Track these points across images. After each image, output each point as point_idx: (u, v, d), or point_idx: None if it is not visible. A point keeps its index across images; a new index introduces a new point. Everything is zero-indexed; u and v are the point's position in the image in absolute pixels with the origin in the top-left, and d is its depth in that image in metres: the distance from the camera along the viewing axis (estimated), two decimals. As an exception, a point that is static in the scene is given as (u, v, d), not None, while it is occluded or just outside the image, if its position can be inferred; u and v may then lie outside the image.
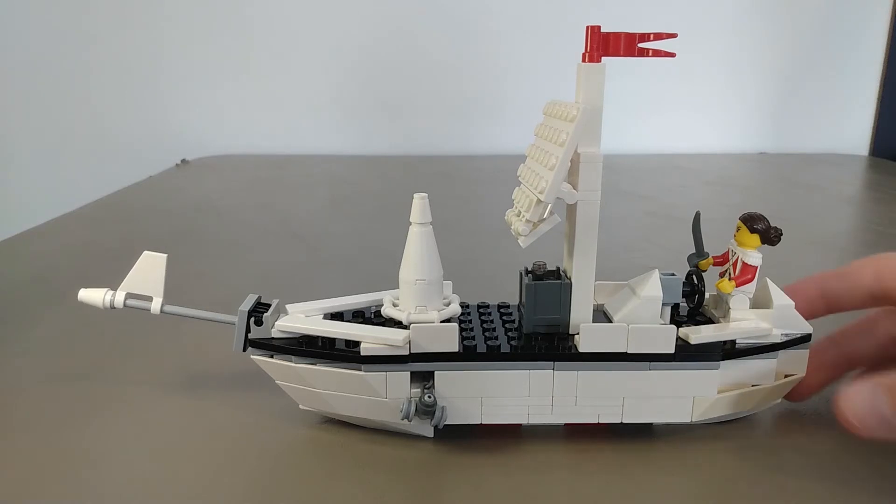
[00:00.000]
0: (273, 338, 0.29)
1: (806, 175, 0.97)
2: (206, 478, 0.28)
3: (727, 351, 0.29)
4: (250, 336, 0.30)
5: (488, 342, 0.29)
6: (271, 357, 0.30)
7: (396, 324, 0.29)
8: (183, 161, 1.05)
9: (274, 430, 0.31)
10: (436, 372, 0.28)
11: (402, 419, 0.28)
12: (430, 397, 0.28)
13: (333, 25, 1.09)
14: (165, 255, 0.30)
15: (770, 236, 0.29)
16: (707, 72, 1.14)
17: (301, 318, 0.30)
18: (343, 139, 1.13)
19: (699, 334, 0.28)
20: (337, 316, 0.31)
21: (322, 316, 0.30)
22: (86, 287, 0.32)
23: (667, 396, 0.29)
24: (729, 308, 0.30)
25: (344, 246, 0.61)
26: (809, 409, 0.33)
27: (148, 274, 0.30)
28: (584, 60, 0.28)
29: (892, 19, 1.13)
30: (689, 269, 0.31)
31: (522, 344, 0.28)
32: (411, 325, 0.28)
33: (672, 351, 0.28)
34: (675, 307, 0.30)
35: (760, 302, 0.30)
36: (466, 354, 0.28)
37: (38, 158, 1.12)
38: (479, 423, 0.29)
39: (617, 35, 0.28)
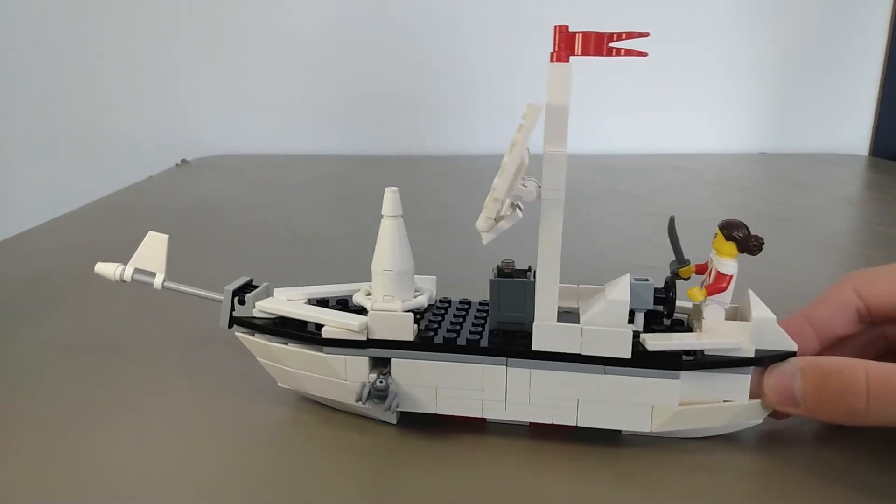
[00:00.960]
0: (254, 317, 0.32)
1: (806, 175, 0.97)
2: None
3: (691, 362, 0.28)
4: (234, 314, 0.32)
5: (446, 334, 0.29)
6: (253, 335, 0.32)
7: (363, 311, 0.30)
8: (183, 161, 1.05)
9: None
10: (392, 359, 0.29)
11: (356, 401, 0.29)
12: (381, 382, 0.29)
13: (333, 25, 1.09)
14: (167, 236, 0.33)
15: (749, 245, 0.27)
16: (707, 72, 1.14)
17: (282, 300, 0.32)
18: (343, 139, 1.13)
19: (657, 341, 0.28)
20: (322, 302, 0.32)
21: (306, 301, 0.32)
22: (98, 280, 0.35)
23: (623, 403, 0.28)
24: (703, 318, 0.29)
25: (344, 246, 0.61)
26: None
27: (152, 252, 0.33)
28: (552, 60, 0.28)
29: (892, 19, 1.13)
30: (672, 274, 0.30)
31: (478, 339, 0.29)
32: (369, 312, 0.29)
33: (628, 356, 0.28)
34: (656, 315, 0.30)
35: (742, 315, 0.29)
36: (421, 344, 0.29)
37: (38, 158, 1.12)
38: (434, 412, 0.30)
39: (587, 34, 0.28)
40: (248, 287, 0.33)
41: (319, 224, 0.69)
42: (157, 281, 0.33)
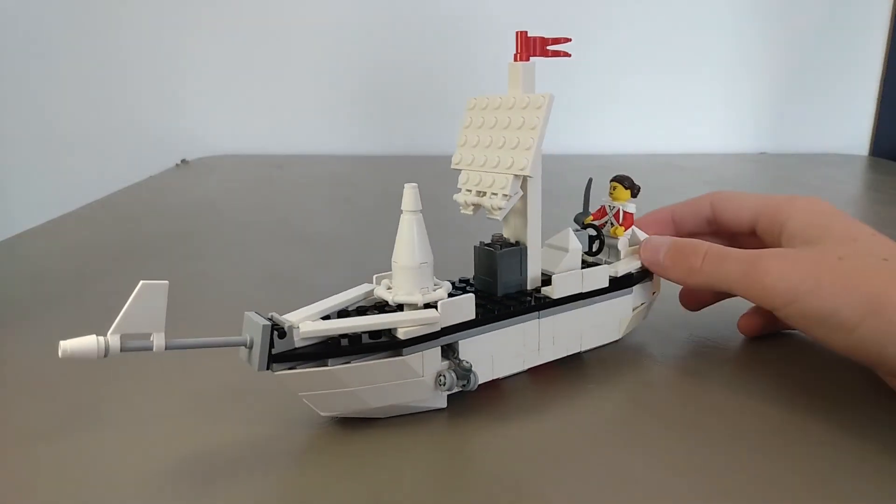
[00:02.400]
0: (298, 347, 0.28)
1: (806, 175, 0.97)
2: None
3: (634, 279, 0.37)
4: (274, 350, 0.27)
5: (488, 307, 0.32)
6: (294, 369, 0.28)
7: (399, 308, 0.31)
8: (183, 161, 1.05)
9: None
10: (460, 341, 0.31)
11: (446, 390, 0.30)
12: (466, 363, 0.30)
13: (333, 26, 1.09)
14: (167, 283, 0.25)
15: (635, 191, 0.38)
16: (707, 72, 1.14)
17: (317, 322, 0.29)
18: (343, 139, 1.13)
19: (618, 270, 0.36)
20: (342, 314, 0.31)
21: (321, 317, 0.30)
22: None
23: (605, 321, 0.37)
24: (619, 250, 0.38)
25: (344, 246, 0.61)
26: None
27: (146, 307, 0.25)
28: (515, 60, 0.33)
29: (892, 19, 1.13)
30: (579, 224, 0.38)
31: (514, 304, 0.33)
32: (440, 302, 0.30)
33: (608, 285, 0.36)
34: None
35: (633, 241, 0.39)
36: (482, 320, 0.32)
37: (38, 159, 1.12)
38: (491, 378, 0.33)
39: (535, 38, 0.33)
40: (269, 319, 0.29)
41: (319, 224, 0.69)
42: (157, 342, 0.26)
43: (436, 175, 0.94)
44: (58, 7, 1.06)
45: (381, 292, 0.31)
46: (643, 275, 0.38)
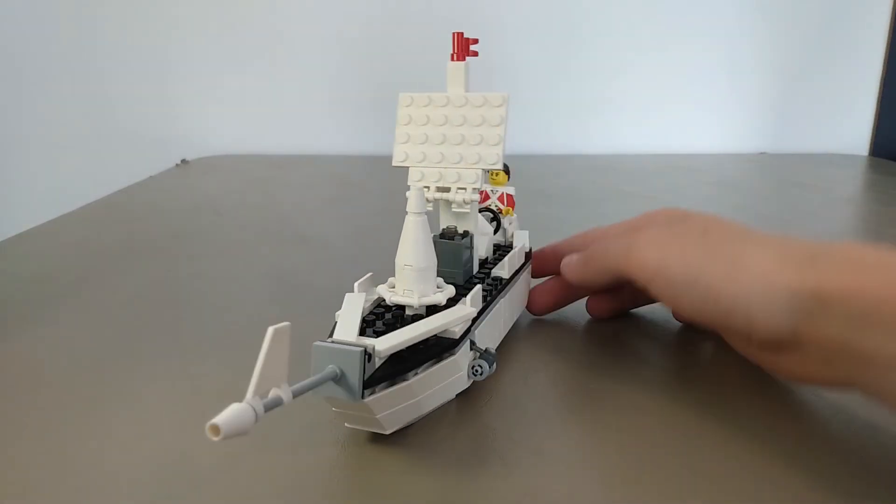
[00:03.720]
0: (377, 368, 0.26)
1: (806, 175, 0.97)
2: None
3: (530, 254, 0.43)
4: (368, 374, 0.25)
5: (486, 287, 0.35)
6: (375, 392, 0.26)
7: (409, 310, 0.31)
8: (183, 161, 1.05)
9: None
10: (476, 330, 0.32)
11: (481, 378, 0.32)
12: (488, 349, 0.32)
13: (333, 25, 1.09)
14: (289, 325, 0.22)
15: (509, 174, 0.42)
16: (707, 72, 1.14)
17: (388, 337, 0.27)
18: (343, 139, 1.13)
19: (523, 246, 0.42)
20: (368, 324, 0.30)
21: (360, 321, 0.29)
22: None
23: (522, 293, 0.42)
24: (506, 230, 0.42)
25: (344, 246, 0.61)
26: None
27: (275, 358, 0.21)
28: (452, 59, 0.36)
29: (892, 19, 1.13)
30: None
31: (489, 288, 0.35)
32: (468, 297, 0.31)
33: (525, 261, 0.42)
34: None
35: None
36: (485, 307, 0.34)
37: (38, 158, 1.12)
38: (494, 347, 0.36)
39: (466, 39, 0.36)
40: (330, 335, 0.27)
41: (319, 224, 0.69)
42: (285, 395, 0.22)
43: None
44: (57, 6, 1.06)
45: (383, 290, 0.31)
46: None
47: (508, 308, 0.39)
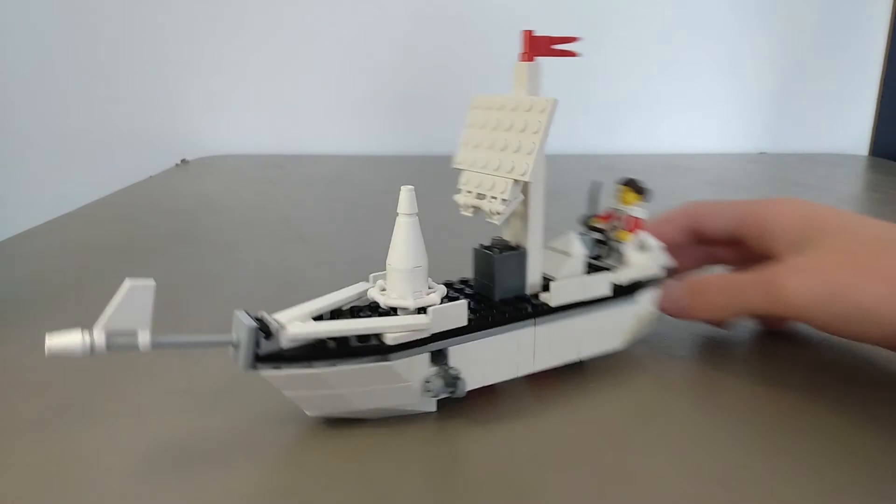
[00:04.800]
0: (284, 349, 0.28)
1: (806, 175, 0.97)
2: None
3: (641, 286, 0.36)
4: (260, 351, 0.27)
5: (480, 313, 0.31)
6: (279, 369, 0.28)
7: (392, 311, 0.30)
8: (183, 161, 1.05)
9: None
10: (449, 348, 0.30)
11: (433, 396, 0.30)
12: (453, 370, 0.30)
13: (334, 25, 1.09)
14: (153, 283, 0.25)
15: (643, 192, 0.37)
16: (707, 72, 1.14)
17: (306, 323, 0.29)
18: (344, 139, 1.13)
19: (622, 277, 0.35)
20: (335, 314, 0.31)
21: (313, 318, 0.30)
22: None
23: (606, 330, 0.36)
24: (622, 255, 0.36)
25: (344, 246, 0.61)
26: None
27: (132, 306, 0.25)
28: (521, 60, 0.32)
29: (892, 19, 1.13)
30: (584, 226, 0.38)
31: (509, 310, 0.32)
32: (430, 308, 0.29)
33: (610, 293, 0.35)
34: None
35: (641, 246, 0.38)
36: (474, 326, 0.31)
37: (37, 158, 1.12)
38: (481, 385, 0.32)
39: (540, 38, 0.32)
40: (258, 319, 0.28)
41: (319, 224, 0.69)
42: (143, 340, 0.25)
43: (436, 175, 0.94)
44: (57, 6, 1.06)
45: (375, 294, 0.31)
46: (649, 282, 0.36)
47: (557, 338, 0.34)
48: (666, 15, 1.10)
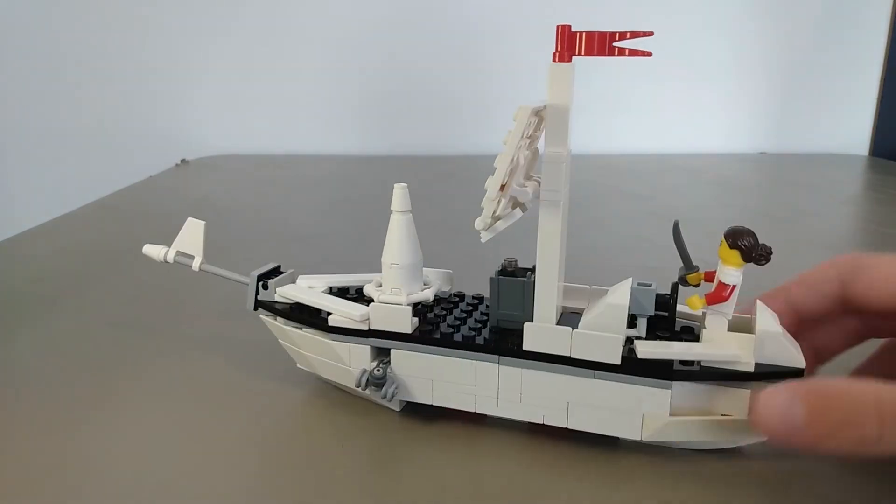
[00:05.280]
0: (275, 302, 0.33)
1: (806, 175, 0.97)
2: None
3: (683, 371, 0.27)
4: (259, 298, 0.33)
5: (446, 329, 0.30)
6: (274, 318, 0.33)
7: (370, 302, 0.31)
8: (183, 161, 1.05)
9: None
10: (392, 350, 0.30)
11: (356, 387, 0.30)
12: (380, 370, 0.30)
13: (333, 25, 1.09)
14: (205, 222, 0.35)
15: (752, 255, 0.26)
16: (707, 72, 1.14)
17: (303, 287, 0.34)
18: (343, 139, 1.13)
19: (649, 349, 0.27)
20: (342, 291, 0.34)
21: (326, 289, 0.34)
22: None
23: (613, 409, 0.28)
24: (693, 328, 0.28)
25: (344, 246, 0.61)
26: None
27: (191, 237, 0.35)
28: (554, 60, 0.28)
29: (892, 19, 1.13)
30: (681, 283, 0.29)
31: (474, 336, 0.29)
32: (371, 304, 0.30)
33: (617, 362, 0.27)
34: (665, 322, 0.29)
35: (749, 328, 0.28)
36: (418, 338, 0.30)
37: (38, 158, 1.12)
38: (430, 403, 0.31)
39: (590, 34, 0.27)
40: (275, 273, 0.34)
41: (319, 224, 0.69)
42: (196, 263, 0.35)
43: (436, 175, 0.94)
44: (57, 7, 1.06)
45: (370, 290, 0.32)
46: (718, 373, 0.27)
47: (531, 390, 0.29)
48: (665, 15, 1.10)
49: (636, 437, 0.28)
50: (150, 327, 0.43)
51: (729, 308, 0.27)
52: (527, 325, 0.28)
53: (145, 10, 1.07)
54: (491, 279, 0.30)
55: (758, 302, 0.28)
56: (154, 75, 1.10)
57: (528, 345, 0.28)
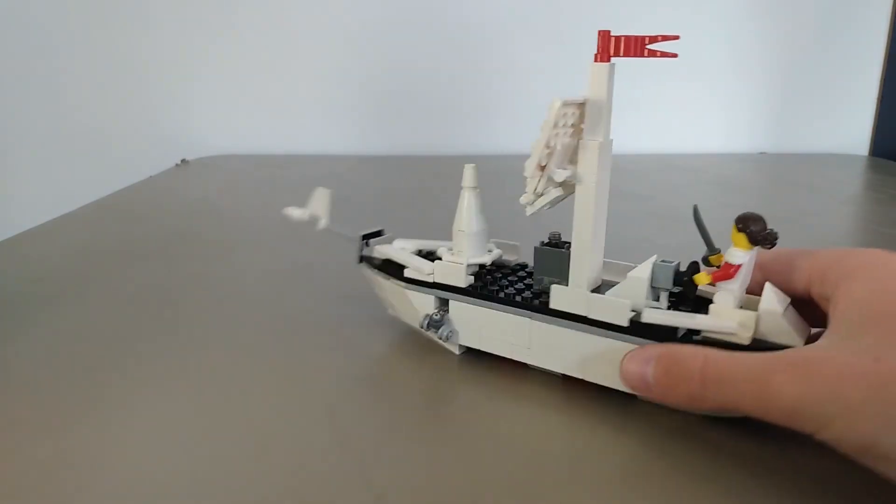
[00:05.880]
0: (373, 257, 0.40)
1: (806, 175, 0.97)
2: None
3: (686, 339, 0.30)
4: (363, 253, 0.40)
5: (491, 287, 0.35)
6: (369, 269, 0.40)
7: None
8: (183, 161, 1.05)
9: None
10: (450, 300, 0.36)
11: (420, 328, 0.37)
12: (438, 316, 0.36)
13: (333, 25, 1.09)
14: (330, 191, 0.40)
15: (758, 237, 0.28)
16: (707, 72, 1.14)
17: (395, 247, 0.39)
18: (343, 139, 1.13)
19: (655, 315, 0.30)
20: (430, 253, 0.39)
21: (416, 250, 0.39)
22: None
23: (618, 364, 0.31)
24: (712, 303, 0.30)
25: (344, 246, 0.61)
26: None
27: (320, 203, 0.40)
28: (595, 60, 0.32)
29: (892, 19, 1.13)
30: (704, 264, 0.31)
31: (514, 294, 0.34)
32: (436, 262, 0.36)
33: (625, 324, 0.31)
34: (691, 300, 0.32)
35: (756, 306, 0.30)
36: (470, 291, 0.36)
37: (37, 159, 1.12)
38: (478, 347, 0.36)
39: (627, 38, 0.32)
40: (377, 234, 0.41)
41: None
42: (322, 224, 0.40)
43: (436, 175, 0.94)
44: (57, 7, 1.06)
45: (443, 251, 0.37)
46: (717, 343, 0.29)
47: (554, 343, 0.33)
48: (665, 15, 1.10)
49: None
50: (150, 327, 0.43)
51: (735, 285, 0.29)
52: (553, 286, 0.33)
53: (145, 10, 1.07)
54: (535, 248, 0.34)
55: (767, 284, 0.29)
56: (154, 75, 1.10)
57: (554, 304, 0.33)
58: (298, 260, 0.57)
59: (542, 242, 0.35)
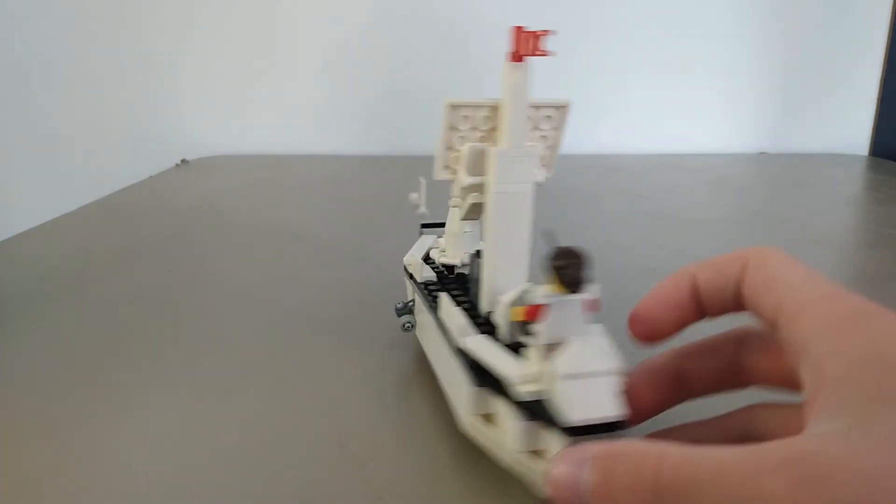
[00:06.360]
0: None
1: (806, 175, 0.97)
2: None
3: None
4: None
5: (430, 287, 0.36)
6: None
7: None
8: (183, 161, 1.05)
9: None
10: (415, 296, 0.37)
11: (399, 313, 0.38)
12: (401, 304, 0.38)
13: (333, 25, 1.09)
14: (426, 181, 0.39)
15: (560, 275, 0.22)
16: (707, 72, 1.14)
17: (414, 257, 0.38)
18: (343, 139, 1.13)
19: (472, 342, 0.27)
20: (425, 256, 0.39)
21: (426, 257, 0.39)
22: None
23: (458, 384, 0.28)
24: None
25: (344, 246, 0.61)
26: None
27: (421, 193, 0.40)
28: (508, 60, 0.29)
29: (892, 19, 1.13)
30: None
31: (432, 289, 0.35)
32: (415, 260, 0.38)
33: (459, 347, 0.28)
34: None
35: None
36: (420, 283, 0.36)
37: (38, 158, 1.12)
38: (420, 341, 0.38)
39: (526, 34, 0.30)
40: (436, 225, 0.41)
41: (320, 224, 0.69)
42: (420, 210, 0.41)
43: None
44: (57, 6, 1.06)
45: (435, 254, 0.38)
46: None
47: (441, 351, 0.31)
48: (665, 15, 1.10)
49: (459, 418, 0.28)
50: (150, 327, 0.43)
51: (540, 328, 0.24)
52: (441, 294, 0.32)
53: (145, 11, 1.07)
54: (470, 255, 0.34)
55: (593, 326, 0.24)
56: (154, 75, 1.10)
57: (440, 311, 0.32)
58: (299, 260, 0.57)
59: (473, 254, 0.35)
